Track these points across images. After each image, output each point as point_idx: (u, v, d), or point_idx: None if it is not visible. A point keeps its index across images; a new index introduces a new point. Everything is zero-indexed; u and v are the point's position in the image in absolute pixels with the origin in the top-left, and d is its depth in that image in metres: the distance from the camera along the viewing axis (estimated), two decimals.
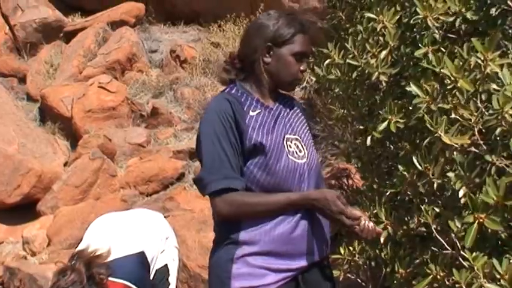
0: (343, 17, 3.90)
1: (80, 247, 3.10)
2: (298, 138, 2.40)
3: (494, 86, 2.36)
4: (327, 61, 3.46)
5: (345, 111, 3.52)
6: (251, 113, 2.30)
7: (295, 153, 2.34)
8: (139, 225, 3.41)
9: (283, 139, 2.33)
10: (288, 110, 2.46)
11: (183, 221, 5.05)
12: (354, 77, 3.25)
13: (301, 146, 2.39)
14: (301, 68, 2.41)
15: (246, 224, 2.23)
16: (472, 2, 2.75)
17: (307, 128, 2.52)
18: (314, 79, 3.66)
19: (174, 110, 8.00)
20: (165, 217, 5.17)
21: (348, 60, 3.23)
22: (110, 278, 2.95)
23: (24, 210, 6.84)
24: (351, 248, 3.34)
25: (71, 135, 7.72)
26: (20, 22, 9.71)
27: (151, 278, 3.26)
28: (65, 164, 7.29)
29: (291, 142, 2.35)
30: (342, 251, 3.34)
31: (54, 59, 9.26)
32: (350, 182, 5.29)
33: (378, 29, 3.16)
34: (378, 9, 3.18)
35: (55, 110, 7.86)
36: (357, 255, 3.34)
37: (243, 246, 2.21)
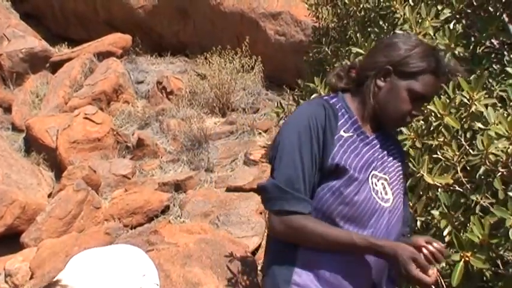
0: (329, 52, 3.93)
1: (50, 282, 3.09)
2: (387, 179, 2.07)
3: (479, 124, 2.38)
4: (313, 95, 3.48)
5: None
6: (342, 133, 2.00)
7: (379, 193, 2.02)
8: (116, 263, 3.37)
9: (370, 174, 2.01)
10: (384, 146, 2.10)
11: (168, 255, 5.00)
12: None
13: (388, 188, 2.06)
14: (414, 111, 2.04)
15: (303, 259, 1.96)
16: (461, 38, 2.79)
17: (401, 173, 2.16)
18: None
19: (159, 142, 7.98)
20: (149, 251, 5.14)
21: None
22: None
23: (7, 242, 6.72)
24: None
25: (56, 166, 7.66)
26: (6, 52, 9.70)
27: None
28: (49, 195, 7.22)
29: (378, 180, 2.04)
30: None
31: (40, 89, 9.25)
32: None
33: None
34: (366, 44, 3.22)
35: (40, 141, 7.81)
36: None
37: (300, 270, 1.95)
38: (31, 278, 5.83)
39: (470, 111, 2.39)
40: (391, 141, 2.16)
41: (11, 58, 9.69)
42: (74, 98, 8.63)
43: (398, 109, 2.02)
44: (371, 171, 2.01)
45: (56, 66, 9.72)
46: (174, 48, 10.50)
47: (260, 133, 7.81)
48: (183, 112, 8.45)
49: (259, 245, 5.81)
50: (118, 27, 10.46)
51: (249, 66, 8.89)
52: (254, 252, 5.63)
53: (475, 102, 2.40)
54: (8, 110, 9.25)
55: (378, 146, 2.07)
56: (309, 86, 3.64)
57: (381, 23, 3.70)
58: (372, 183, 2.00)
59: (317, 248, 1.92)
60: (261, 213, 6.13)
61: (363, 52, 3.24)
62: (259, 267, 5.32)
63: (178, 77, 9.29)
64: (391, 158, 2.12)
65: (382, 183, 2.04)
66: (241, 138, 7.78)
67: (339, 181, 1.93)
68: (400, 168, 2.15)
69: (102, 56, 9.60)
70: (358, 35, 3.62)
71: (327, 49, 3.95)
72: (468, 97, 2.40)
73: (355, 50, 3.30)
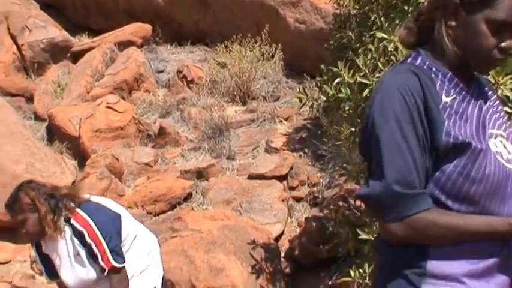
0: (353, 37, 3.93)
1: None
2: (503, 134, 1.74)
3: (506, 109, 2.36)
4: (337, 80, 3.48)
5: (356, 129, 3.53)
6: (445, 98, 1.66)
7: (502, 154, 1.69)
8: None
9: (487, 134, 1.68)
10: (484, 96, 1.77)
11: (192, 242, 5.04)
12: (364, 96, 3.27)
13: (508, 144, 1.74)
14: (502, 44, 1.65)
15: (436, 251, 1.65)
16: None
17: (508, 119, 1.82)
18: (323, 97, 3.66)
19: (181, 130, 8.01)
20: (173, 237, 5.19)
21: (358, 79, 3.25)
22: (76, 209, 3.23)
23: None
24: (361, 271, 3.33)
25: (79, 154, 7.73)
26: (27, 42, 9.76)
27: None
28: (73, 184, 7.29)
29: (495, 139, 1.71)
30: (352, 274, 3.33)
31: (62, 79, 9.31)
32: (358, 203, 5.28)
33: (390, 49, 3.18)
34: (390, 29, 3.21)
35: (63, 130, 7.87)
36: (367, 278, 3.33)
37: (430, 280, 1.64)
38: None
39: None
40: (486, 87, 1.83)
41: (32, 48, 9.75)
42: (95, 88, 8.67)
43: (482, 47, 1.65)
44: (487, 133, 1.69)
45: (76, 56, 9.77)
46: (194, 37, 10.50)
47: (281, 121, 7.81)
48: (204, 101, 8.46)
49: (282, 232, 5.84)
50: (138, 17, 10.48)
51: (269, 54, 8.87)
52: (277, 238, 5.65)
53: (501, 87, 2.39)
54: (30, 99, 9.33)
55: (479, 98, 1.75)
56: (332, 70, 3.64)
57: (405, 7, 3.68)
58: (493, 145, 1.68)
59: (451, 242, 1.63)
60: (283, 200, 6.15)
61: (387, 37, 3.24)
62: (282, 254, 5.35)
63: (199, 66, 9.30)
64: (495, 108, 1.80)
65: (501, 141, 1.73)
66: (262, 126, 7.79)
67: (461, 158, 1.62)
68: (506, 117, 1.83)
69: (122, 45, 9.62)
70: (382, 19, 3.61)
71: (350, 34, 3.94)
72: (493, 81, 2.39)
73: (379, 34, 3.30)
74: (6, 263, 6.58)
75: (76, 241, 3.23)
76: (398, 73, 1.69)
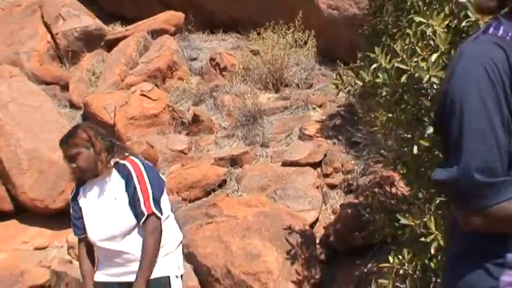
0: (390, 22, 3.89)
1: None
2: None
3: None
4: (374, 65, 3.45)
5: (393, 115, 3.50)
6: None
7: None
8: None
9: None
10: None
11: (227, 228, 5.07)
12: (402, 81, 3.23)
13: None
14: None
15: None
16: None
17: None
18: (359, 83, 3.63)
19: (214, 117, 8.04)
20: (208, 223, 5.23)
21: (396, 64, 3.22)
22: (129, 156, 3.40)
23: (68, 216, 6.91)
24: (400, 257, 3.32)
25: None
26: (61, 31, 9.87)
27: None
28: None
29: None
30: (391, 260, 3.32)
31: (96, 67, 9.40)
32: (394, 190, 5.25)
33: (428, 33, 3.15)
34: (428, 13, 3.17)
35: (98, 117, 7.96)
36: (406, 264, 3.31)
37: (510, 272, 1.54)
38: None
39: None
40: None
41: (67, 37, 9.86)
42: (129, 76, 8.75)
43: None
44: None
45: (110, 45, 9.86)
46: (226, 24, 10.50)
47: (314, 108, 7.78)
48: (237, 88, 8.47)
49: (317, 219, 5.83)
50: (170, 5, 10.52)
51: (302, 41, 8.84)
52: (312, 225, 5.65)
53: None
54: (65, 87, 9.44)
55: None
56: (369, 55, 3.61)
57: None
58: None
59: None
60: (317, 187, 6.14)
61: (425, 21, 3.20)
62: (317, 241, 5.35)
63: (231, 53, 9.31)
64: None
65: None
66: (296, 114, 7.77)
67: None
68: None
69: (155, 33, 9.68)
70: (420, 3, 3.57)
71: (387, 18, 3.90)
72: None
73: (417, 19, 3.26)
74: (44, 248, 6.71)
75: (121, 183, 3.30)
76: (481, 45, 1.52)
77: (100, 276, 3.47)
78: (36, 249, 6.69)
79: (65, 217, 6.90)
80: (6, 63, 9.44)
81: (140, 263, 3.24)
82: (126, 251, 3.31)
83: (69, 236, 6.36)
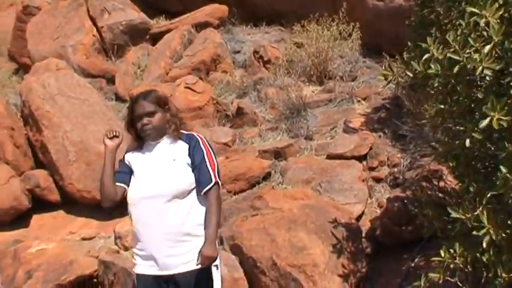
0: (441, 12, 3.82)
1: None
2: None
3: None
4: (426, 56, 3.39)
5: (445, 107, 3.44)
6: None
7: None
8: None
9: None
10: None
11: (273, 220, 5.07)
12: (454, 72, 3.17)
13: None
14: None
15: None
16: None
17: None
18: (410, 74, 3.58)
19: (258, 110, 8.05)
20: (254, 215, 5.24)
21: (448, 55, 3.16)
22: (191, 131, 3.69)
23: (114, 206, 7.00)
24: (451, 251, 3.26)
25: None
26: (107, 24, 10.02)
27: None
28: None
29: None
30: (443, 254, 3.27)
31: (141, 61, 9.50)
32: (442, 183, 5.18)
33: (481, 24, 3.08)
34: (481, 3, 3.10)
35: None
36: (457, 258, 3.26)
37: None
38: None
39: None
40: None
41: (112, 30, 10.00)
42: (174, 69, 8.82)
43: None
44: None
45: (155, 38, 9.96)
46: (269, 17, 10.49)
47: (359, 101, 7.72)
48: (281, 81, 8.46)
49: (363, 213, 5.79)
50: None
51: (346, 33, 8.77)
52: (357, 219, 5.61)
53: None
54: (111, 80, 9.58)
55: None
56: (420, 46, 3.55)
57: None
58: None
59: None
60: (363, 180, 6.09)
61: (478, 11, 3.14)
62: (363, 234, 5.31)
63: (275, 46, 9.30)
64: None
65: None
66: (340, 106, 7.72)
67: None
68: None
69: (199, 27, 9.74)
70: None
71: (439, 9, 3.83)
72: None
73: (470, 9, 3.19)
74: (90, 239, 6.80)
75: (183, 148, 3.45)
76: None
77: (138, 267, 3.53)
78: (83, 239, 6.79)
79: (111, 208, 7.05)
80: (52, 56, 9.64)
81: (207, 228, 3.33)
82: (168, 216, 3.33)
83: (117, 226, 6.45)
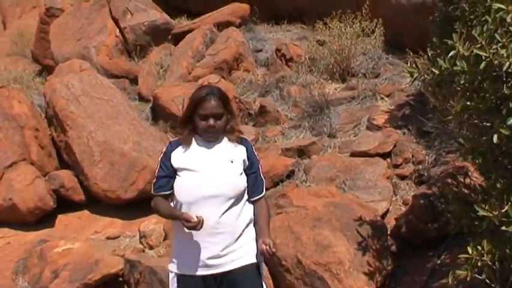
0: (467, 8, 3.78)
1: None
2: None
3: None
4: (451, 52, 3.37)
5: (471, 103, 3.41)
6: None
7: None
8: None
9: None
10: None
11: (297, 218, 5.06)
12: (481, 68, 3.15)
13: None
14: None
15: None
16: None
17: None
18: (435, 71, 3.56)
19: (280, 108, 8.04)
20: (278, 213, 5.24)
21: (475, 51, 3.14)
22: None
23: (138, 206, 7.08)
24: (479, 248, 3.24)
25: None
26: (129, 25, 10.10)
27: None
28: None
29: None
30: (470, 251, 3.25)
31: (164, 61, 9.55)
32: (468, 180, 5.13)
33: (508, 20, 3.06)
34: None
35: (167, 110, 8.08)
36: (485, 255, 3.24)
37: None
38: (165, 239, 6.10)
39: None
40: None
41: (134, 31, 10.08)
42: (196, 68, 8.85)
43: None
44: None
45: (177, 38, 9.99)
46: (291, 15, 10.49)
47: (382, 98, 7.67)
48: (303, 78, 8.44)
49: (388, 210, 5.76)
50: None
51: (369, 30, 8.73)
52: (382, 216, 5.58)
53: None
54: (134, 81, 9.65)
55: None
56: (446, 42, 3.53)
57: None
58: None
59: None
60: (387, 178, 6.06)
61: (504, 7, 3.11)
62: (388, 232, 5.29)
63: (297, 44, 9.28)
64: None
65: None
66: (363, 104, 7.68)
67: None
68: None
69: (221, 26, 9.76)
70: None
71: (464, 5, 3.80)
72: None
73: (496, 5, 3.17)
74: (116, 238, 6.87)
75: (241, 150, 3.42)
76: None
77: (183, 268, 3.41)
78: (108, 238, 6.86)
79: (135, 207, 7.11)
80: (76, 57, 9.74)
81: (261, 225, 3.38)
82: (225, 215, 3.29)
83: (141, 225, 6.51)
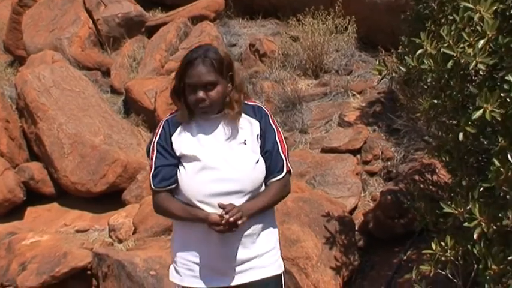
0: (435, 7, 3.83)
1: None
2: None
3: None
4: (419, 51, 3.41)
5: (438, 101, 3.46)
6: None
7: None
8: None
9: None
10: None
11: None
12: (448, 67, 3.19)
13: None
14: None
15: None
16: None
17: None
18: (403, 69, 3.60)
19: None
20: None
21: (442, 50, 3.18)
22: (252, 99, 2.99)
23: (109, 199, 7.06)
24: (442, 244, 3.29)
25: (154, 127, 7.85)
26: (103, 17, 10.02)
27: None
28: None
29: None
30: (434, 247, 3.29)
31: (137, 53, 9.49)
32: (435, 177, 5.20)
33: (475, 19, 3.10)
34: None
35: (139, 103, 8.05)
36: (448, 251, 3.29)
37: None
38: (134, 232, 6.08)
39: None
40: None
41: (108, 23, 10.00)
42: (170, 61, 8.81)
43: None
44: None
45: (151, 31, 9.93)
46: (265, 11, 10.47)
47: (354, 94, 7.72)
48: (276, 74, 8.45)
49: (356, 206, 5.82)
50: None
51: (342, 27, 8.77)
52: (351, 212, 5.64)
53: None
54: (106, 73, 9.58)
55: None
56: (414, 41, 3.57)
57: None
58: None
59: None
60: (357, 174, 6.12)
61: (472, 6, 3.15)
62: (356, 227, 5.34)
63: (271, 40, 9.29)
64: None
65: None
66: (335, 100, 7.72)
67: None
68: None
69: (196, 19, 9.73)
70: None
71: (432, 4, 3.85)
72: None
73: (463, 4, 3.21)
74: (85, 231, 6.84)
75: (253, 126, 2.78)
76: None
77: (193, 280, 2.83)
78: (77, 231, 6.83)
79: (104, 201, 7.09)
80: (48, 48, 9.64)
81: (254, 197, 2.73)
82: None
83: (110, 219, 6.48)
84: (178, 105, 2.79)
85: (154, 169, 2.77)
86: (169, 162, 2.75)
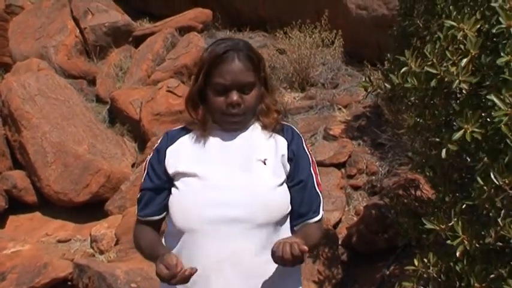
0: (420, 25, 3.86)
1: None
2: None
3: None
4: (404, 69, 3.43)
5: (421, 120, 3.47)
6: None
7: None
8: None
9: None
10: None
11: None
12: (432, 86, 3.21)
13: None
14: None
15: None
16: None
17: None
18: (388, 86, 3.61)
19: None
20: None
21: (426, 68, 3.19)
22: None
23: (91, 209, 7.01)
24: (425, 260, 3.29)
25: (139, 137, 7.86)
26: (90, 26, 10.00)
27: None
28: (133, 165, 7.44)
29: None
30: (416, 263, 3.29)
31: (124, 63, 9.47)
32: (418, 193, 5.22)
33: (459, 37, 3.12)
34: (459, 17, 3.14)
35: (124, 113, 8.02)
36: (431, 268, 3.29)
37: None
38: (116, 244, 6.04)
39: None
40: None
41: (95, 32, 9.97)
42: (156, 72, 8.80)
43: None
44: None
45: (138, 41, 9.92)
46: (253, 23, 10.51)
47: (340, 108, 7.75)
48: None
49: (340, 220, 5.81)
50: (198, 3, 10.57)
51: (329, 40, 8.81)
52: (335, 226, 5.64)
53: None
54: (92, 82, 9.54)
55: None
56: (399, 59, 3.58)
57: None
58: None
59: None
60: (341, 188, 6.12)
61: (456, 25, 3.18)
62: (339, 241, 5.34)
63: None
64: None
65: None
66: (321, 113, 7.74)
67: None
68: None
69: (183, 30, 9.73)
70: (451, 7, 3.54)
71: (418, 21, 3.87)
72: None
73: (448, 23, 3.23)
74: (66, 241, 6.78)
75: (281, 145, 2.20)
76: None
77: None
78: (59, 242, 6.77)
79: (87, 211, 7.03)
80: (34, 56, 9.60)
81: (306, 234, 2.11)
82: (246, 251, 2.07)
83: (92, 229, 6.43)
84: (196, 113, 2.23)
85: (139, 192, 2.27)
86: (154, 185, 2.21)
